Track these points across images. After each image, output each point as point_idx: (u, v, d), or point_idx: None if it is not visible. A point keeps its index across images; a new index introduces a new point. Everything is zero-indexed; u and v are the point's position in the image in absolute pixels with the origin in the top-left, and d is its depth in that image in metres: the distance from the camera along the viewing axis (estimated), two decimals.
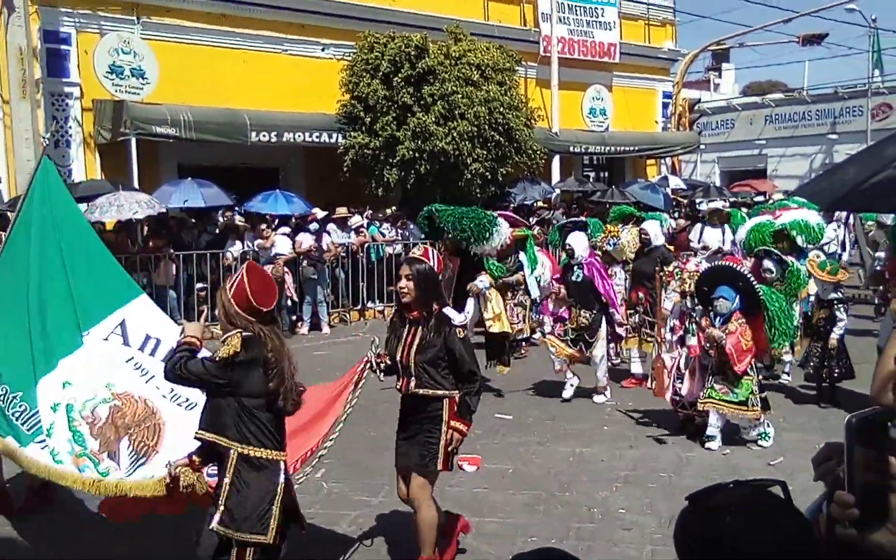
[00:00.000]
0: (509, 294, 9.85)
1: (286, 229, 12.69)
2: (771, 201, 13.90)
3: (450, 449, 4.24)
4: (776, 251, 8.54)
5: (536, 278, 8.96)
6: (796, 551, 1.17)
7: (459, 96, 13.84)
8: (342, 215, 13.51)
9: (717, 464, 6.34)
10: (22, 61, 12.12)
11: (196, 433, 3.54)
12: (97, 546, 4.68)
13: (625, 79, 20.38)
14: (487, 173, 14.34)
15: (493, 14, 17.94)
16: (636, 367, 8.82)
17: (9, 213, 11.09)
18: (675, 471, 6.19)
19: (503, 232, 8.44)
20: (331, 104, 14.61)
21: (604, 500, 5.62)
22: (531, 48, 18.06)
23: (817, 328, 8.10)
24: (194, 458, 3.61)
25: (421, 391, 4.19)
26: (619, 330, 8.33)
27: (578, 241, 8.16)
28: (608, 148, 19.10)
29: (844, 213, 13.03)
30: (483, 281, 8.52)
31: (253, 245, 12.44)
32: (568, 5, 18.73)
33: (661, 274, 7.56)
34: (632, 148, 19.62)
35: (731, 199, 18.46)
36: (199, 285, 12.31)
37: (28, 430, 4.02)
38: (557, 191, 17.50)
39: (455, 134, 13.71)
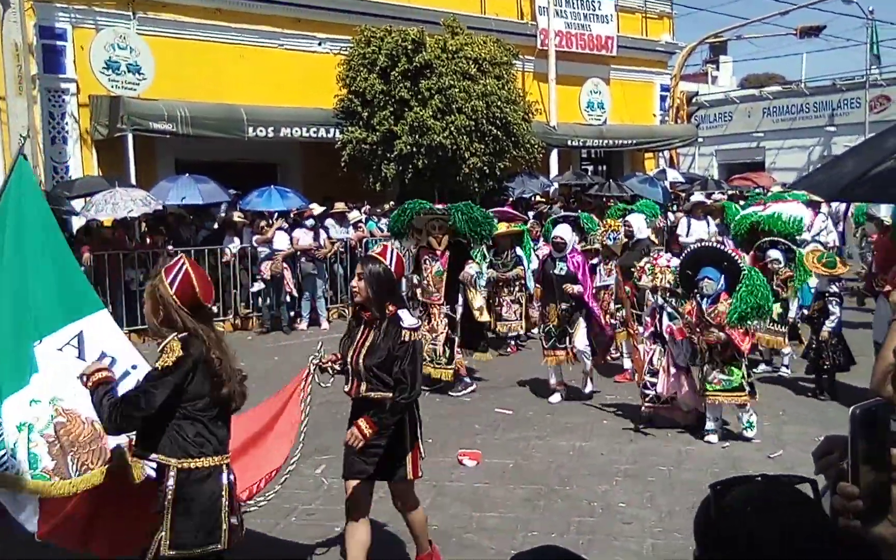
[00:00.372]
0: (505, 290, 9.86)
1: (284, 225, 12.66)
2: (768, 193, 13.95)
3: (346, 442, 3.99)
4: (784, 241, 8.57)
5: (535, 272, 9.00)
6: (816, 549, 1.16)
7: (457, 90, 13.81)
8: (340, 210, 13.49)
9: (717, 457, 6.34)
10: (18, 57, 12.08)
11: (132, 452, 3.34)
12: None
13: (622, 72, 20.35)
14: (485, 167, 14.32)
15: (490, 7, 17.89)
16: (628, 362, 8.77)
17: None
18: (674, 464, 6.19)
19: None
20: (328, 99, 14.57)
21: (604, 494, 5.62)
22: (528, 42, 18.02)
23: (812, 320, 8.14)
24: (130, 441, 3.44)
25: (372, 395, 3.97)
26: (599, 324, 8.14)
27: (567, 234, 8.04)
28: (606, 141, 19.08)
29: (834, 206, 13.02)
30: (473, 267, 8.61)
31: (251, 241, 12.41)
32: None
33: (633, 268, 7.58)
34: (630, 141, 19.60)
35: (730, 192, 18.46)
36: None
37: None
38: (555, 184, 17.48)
39: (452, 128, 13.69)
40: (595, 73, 19.62)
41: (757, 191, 17.00)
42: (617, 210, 10.91)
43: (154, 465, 3.33)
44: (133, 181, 12.44)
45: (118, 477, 3.52)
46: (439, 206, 8.87)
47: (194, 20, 14.36)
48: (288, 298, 12.36)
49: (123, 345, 4.40)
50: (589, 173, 20.14)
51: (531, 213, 14.15)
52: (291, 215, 13.04)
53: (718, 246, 7.15)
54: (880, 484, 1.14)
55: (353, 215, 13.65)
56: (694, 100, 23.83)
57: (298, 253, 12.32)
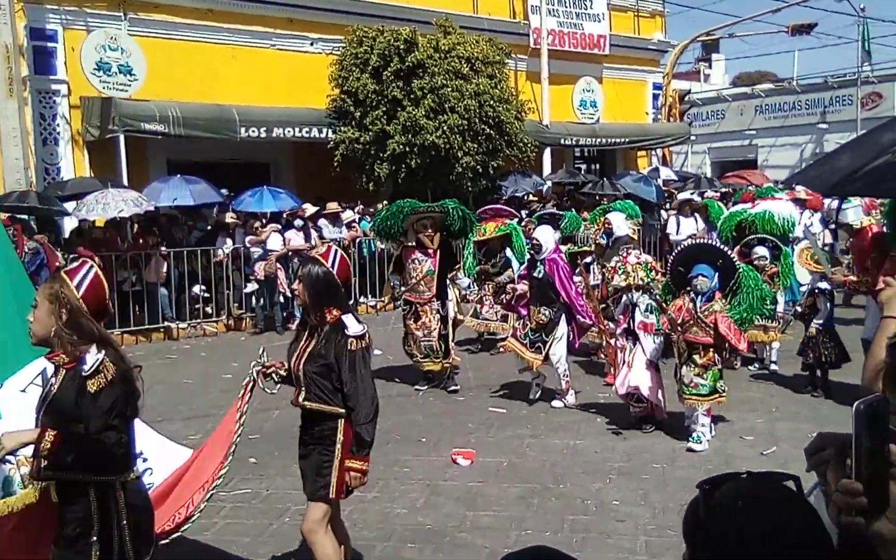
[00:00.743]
0: (490, 289, 9.84)
1: (277, 225, 12.65)
2: (759, 188, 14.03)
3: (350, 489, 3.84)
4: (771, 238, 8.60)
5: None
6: (806, 545, 1.16)
7: (449, 90, 13.81)
8: (333, 210, 13.47)
9: (711, 454, 6.36)
10: (8, 59, 12.02)
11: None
12: None
13: (615, 70, 20.37)
14: (478, 166, 14.32)
15: (482, 7, 17.88)
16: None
17: None
18: (668, 462, 6.20)
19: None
20: (320, 99, 14.55)
21: (597, 492, 5.62)
22: (521, 41, 18.02)
23: (804, 317, 8.18)
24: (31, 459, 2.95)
25: (308, 404, 3.79)
26: (589, 331, 8.10)
27: (545, 236, 7.88)
28: (599, 140, 19.10)
29: (826, 204, 13.03)
30: (465, 280, 8.68)
31: (244, 242, 12.39)
32: None
33: (605, 269, 7.57)
34: (622, 139, 19.61)
35: (723, 190, 18.51)
36: (196, 288, 12.24)
37: None
38: (548, 183, 17.48)
39: (445, 127, 13.68)
40: (588, 71, 19.63)
41: (742, 188, 17.09)
42: (599, 211, 10.92)
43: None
44: (125, 182, 12.40)
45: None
46: (430, 205, 8.90)
47: (186, 21, 14.32)
48: (281, 299, 12.34)
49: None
50: (582, 172, 20.16)
51: (524, 212, 14.17)
52: (284, 216, 13.02)
53: (717, 245, 7.11)
54: (880, 480, 1.13)
55: (347, 215, 13.64)
56: (686, 98, 23.81)
57: (290, 253, 12.30)
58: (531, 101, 17.13)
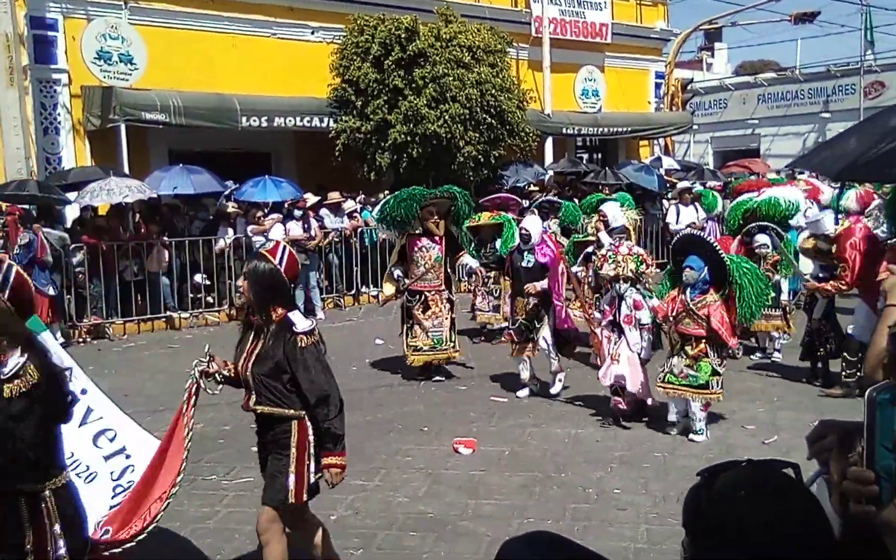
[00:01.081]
0: (481, 281, 9.77)
1: (279, 215, 12.64)
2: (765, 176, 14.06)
3: (332, 485, 3.71)
4: (772, 225, 8.58)
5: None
6: (806, 533, 1.16)
7: (451, 79, 13.76)
8: (335, 200, 13.46)
9: (712, 444, 6.36)
10: (9, 48, 11.99)
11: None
12: None
13: (617, 59, 20.29)
14: (480, 156, 14.29)
15: None
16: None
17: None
18: (669, 451, 6.21)
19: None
20: (321, 88, 14.51)
21: (599, 481, 5.63)
22: (522, 29, 17.94)
23: (806, 307, 8.15)
24: None
25: (260, 408, 3.65)
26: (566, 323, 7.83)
27: (534, 225, 7.78)
28: (601, 129, 19.03)
29: (828, 194, 12.97)
30: (471, 260, 8.62)
31: (245, 232, 12.38)
32: None
33: (594, 257, 7.51)
34: (625, 129, 19.56)
35: (725, 180, 18.48)
36: (198, 276, 12.25)
37: None
38: (550, 173, 17.44)
39: (447, 117, 13.65)
40: (589, 60, 19.55)
41: (740, 177, 17.08)
42: (587, 202, 10.89)
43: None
44: (126, 171, 12.39)
45: None
46: (437, 191, 8.85)
47: (186, 9, 14.27)
48: None
49: (71, 369, 4.05)
50: (584, 161, 20.10)
51: (526, 202, 14.14)
52: (286, 206, 13.02)
53: (701, 234, 7.07)
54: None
55: (348, 205, 13.62)
56: (689, 87, 23.73)
57: (290, 244, 12.29)
58: (533, 91, 17.07)
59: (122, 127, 12.67)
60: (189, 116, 13.01)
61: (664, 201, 16.29)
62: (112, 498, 3.76)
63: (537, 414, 7.28)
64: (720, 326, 6.21)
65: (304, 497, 3.68)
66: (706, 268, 6.30)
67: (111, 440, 4.00)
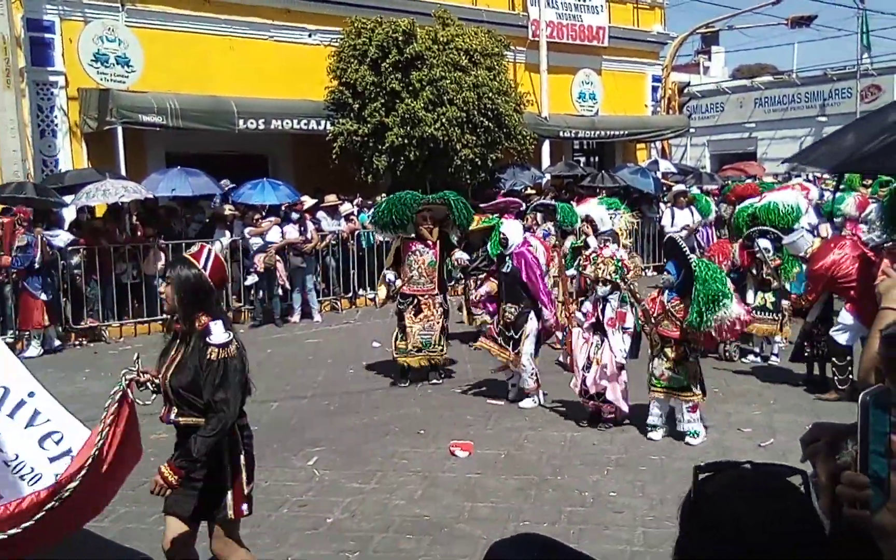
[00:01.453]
0: (474, 285, 9.73)
1: (276, 219, 12.64)
2: (762, 182, 14.09)
3: (151, 489, 3.41)
4: (772, 229, 8.59)
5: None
6: (801, 533, 1.16)
7: (448, 82, 13.77)
8: (332, 203, 13.46)
9: (709, 446, 6.36)
10: (6, 50, 11.98)
11: None
12: None
13: (614, 63, 20.32)
14: (477, 159, 14.30)
15: None
16: None
17: None
18: (665, 454, 6.21)
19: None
20: (319, 91, 14.51)
21: (595, 484, 5.63)
22: (520, 33, 17.96)
23: (803, 310, 8.15)
24: None
25: (182, 420, 3.48)
26: (554, 329, 7.82)
27: (512, 230, 7.66)
28: (598, 132, 19.06)
29: (826, 197, 13.02)
30: (463, 254, 8.59)
31: (242, 234, 12.37)
32: None
33: (579, 258, 7.50)
34: (622, 132, 19.58)
35: (721, 183, 18.52)
36: None
37: None
38: (547, 176, 17.46)
39: (444, 120, 13.65)
40: (586, 63, 19.57)
41: (734, 180, 17.13)
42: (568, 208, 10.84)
43: None
44: (123, 173, 12.38)
45: None
46: (430, 197, 8.83)
47: (183, 12, 14.26)
48: (280, 291, 12.34)
49: (18, 372, 4.10)
50: (581, 164, 20.11)
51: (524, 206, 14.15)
52: (283, 209, 13.02)
53: (677, 238, 7.07)
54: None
55: (345, 208, 13.62)
56: (686, 90, 23.80)
57: (286, 247, 12.31)
58: (530, 94, 17.09)
59: (119, 129, 12.66)
60: (186, 119, 13.00)
61: (661, 204, 16.31)
62: None
63: (533, 417, 7.28)
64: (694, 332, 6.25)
65: (243, 510, 3.57)
66: (680, 273, 6.36)
67: (57, 443, 3.97)
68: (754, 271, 8.77)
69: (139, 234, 12.15)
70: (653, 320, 6.44)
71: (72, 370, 9.55)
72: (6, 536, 3.06)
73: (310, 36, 15.67)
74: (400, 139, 13.67)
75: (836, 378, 7.51)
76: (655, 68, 21.76)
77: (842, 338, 7.26)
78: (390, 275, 8.45)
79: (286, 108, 14.17)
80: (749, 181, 15.50)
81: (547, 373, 8.06)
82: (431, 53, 13.92)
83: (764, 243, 8.57)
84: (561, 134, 18.21)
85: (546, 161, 18.15)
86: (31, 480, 3.74)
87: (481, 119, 14.15)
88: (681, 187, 15.31)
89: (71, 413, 4.21)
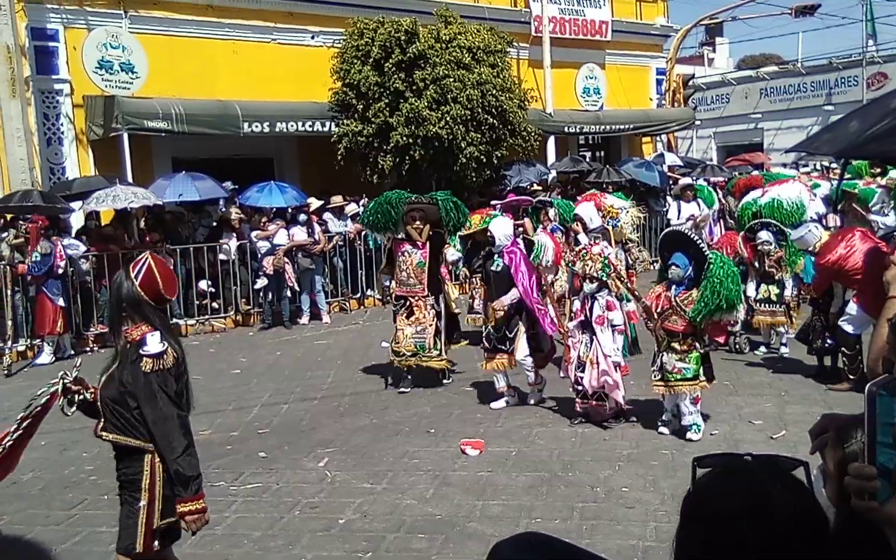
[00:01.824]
0: (476, 284, 9.60)
1: (282, 222, 12.65)
2: (767, 174, 14.02)
3: (193, 532, 3.36)
4: (774, 222, 8.57)
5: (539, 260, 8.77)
6: (798, 524, 1.15)
7: (451, 80, 13.76)
8: (338, 204, 13.48)
9: (720, 439, 6.34)
10: (10, 59, 12.04)
11: None
12: None
13: (618, 56, 20.27)
14: (482, 157, 14.28)
15: None
16: None
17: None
18: (677, 448, 6.19)
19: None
20: (322, 92, 14.53)
21: (606, 479, 5.62)
22: (522, 29, 17.94)
23: (817, 302, 8.09)
24: None
25: (105, 435, 3.32)
26: (549, 328, 7.49)
27: (500, 228, 7.51)
28: (603, 127, 19.02)
29: (828, 188, 12.94)
30: (454, 253, 8.50)
31: (250, 237, 12.41)
32: None
33: (571, 253, 7.45)
34: (627, 126, 19.53)
35: (728, 176, 18.43)
36: (202, 283, 12.28)
37: None
38: (553, 172, 17.44)
39: (448, 118, 13.64)
40: (590, 58, 19.54)
41: (754, 172, 17.04)
42: (565, 204, 10.80)
43: None
44: (130, 180, 12.43)
45: None
46: (420, 196, 8.61)
47: (186, 17, 14.31)
48: (289, 293, 12.38)
49: None
50: (587, 159, 20.08)
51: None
52: (289, 211, 13.04)
53: (686, 231, 6.99)
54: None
55: (351, 208, 13.63)
56: (690, 82, 23.69)
57: (294, 249, 12.33)
58: (534, 90, 17.06)
59: (125, 136, 12.72)
60: (191, 124, 13.05)
61: (667, 198, 16.25)
62: None
63: (543, 413, 7.27)
64: (704, 326, 6.20)
65: (154, 546, 3.31)
66: (691, 265, 6.27)
67: None
68: (757, 264, 8.75)
69: (147, 239, 12.19)
70: (656, 316, 6.37)
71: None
72: None
73: (312, 38, 15.70)
74: (405, 139, 13.67)
75: (846, 368, 7.48)
76: (659, 61, 21.70)
77: (849, 328, 7.24)
78: (386, 279, 8.38)
79: (291, 111, 14.21)
80: (755, 173, 15.44)
81: (552, 369, 8.03)
82: (434, 52, 13.91)
83: (765, 235, 8.55)
84: (566, 129, 18.18)
85: (551, 157, 18.12)
86: None
87: (486, 116, 14.14)
88: (687, 181, 15.25)
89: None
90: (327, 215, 13.29)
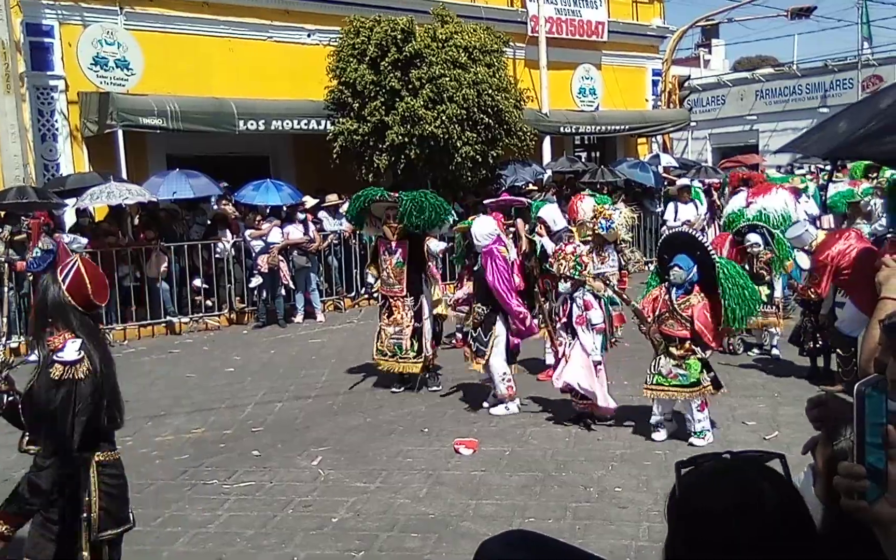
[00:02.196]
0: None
1: (276, 221, 12.65)
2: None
3: None
4: (761, 224, 8.62)
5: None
6: (781, 522, 1.16)
7: (447, 79, 13.75)
8: (334, 202, 13.46)
9: (714, 440, 6.35)
10: (5, 55, 11.99)
11: None
12: None
13: (613, 57, 20.29)
14: (478, 156, 14.27)
15: None
16: (550, 358, 7.98)
17: None
18: (670, 449, 6.20)
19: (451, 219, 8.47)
20: (318, 90, 14.51)
21: (600, 479, 5.63)
22: (519, 29, 17.94)
23: (808, 302, 8.12)
24: None
25: (31, 449, 3.12)
26: (523, 323, 7.38)
27: (480, 228, 7.36)
28: (599, 127, 19.03)
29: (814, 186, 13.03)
30: (437, 244, 8.35)
31: (244, 235, 12.39)
32: None
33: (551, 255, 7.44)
34: (622, 127, 19.55)
35: (722, 178, 18.46)
36: (196, 281, 12.26)
37: None
38: (548, 172, 17.45)
39: (444, 117, 13.64)
40: (586, 58, 19.55)
41: (732, 170, 17.12)
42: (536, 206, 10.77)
43: None
44: (124, 176, 12.40)
45: None
46: (392, 194, 8.38)
47: (182, 14, 14.27)
48: (283, 292, 12.36)
49: None
50: (582, 160, 20.10)
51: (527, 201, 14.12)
52: (284, 210, 13.03)
53: (693, 233, 6.98)
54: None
55: (346, 207, 13.60)
56: (686, 84, 23.73)
57: (289, 247, 12.32)
58: (530, 90, 17.06)
59: (120, 132, 12.67)
60: (186, 121, 13.01)
61: (660, 198, 16.30)
62: None
63: (538, 413, 7.28)
64: (703, 328, 6.12)
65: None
66: (695, 268, 6.19)
67: None
68: (747, 266, 8.77)
69: (141, 237, 12.17)
70: (649, 320, 6.32)
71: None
72: None
73: (309, 36, 15.67)
74: (400, 138, 13.66)
75: (840, 369, 7.50)
76: (655, 62, 21.72)
77: (845, 328, 7.25)
78: (369, 276, 8.35)
79: (286, 109, 14.18)
80: (745, 169, 15.48)
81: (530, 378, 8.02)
82: (430, 51, 13.90)
83: (753, 237, 8.59)
84: (561, 129, 18.18)
85: (547, 157, 18.13)
86: None
87: (481, 116, 14.13)
88: (685, 182, 15.27)
89: None
90: (322, 214, 13.28)
